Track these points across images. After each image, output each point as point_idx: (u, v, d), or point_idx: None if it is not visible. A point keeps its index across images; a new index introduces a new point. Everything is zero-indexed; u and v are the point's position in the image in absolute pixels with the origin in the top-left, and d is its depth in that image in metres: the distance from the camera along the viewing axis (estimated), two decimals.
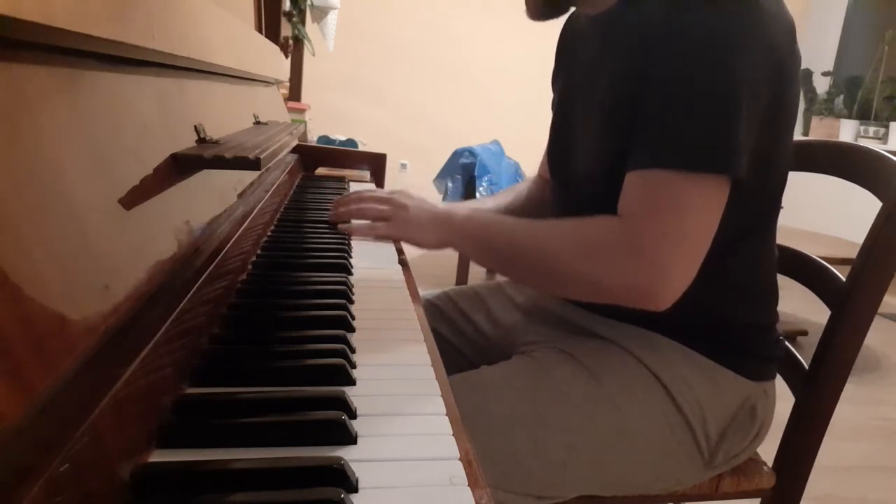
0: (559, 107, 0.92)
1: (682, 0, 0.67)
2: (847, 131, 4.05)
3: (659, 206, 0.66)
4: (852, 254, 0.81)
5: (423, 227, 0.82)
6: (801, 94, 4.34)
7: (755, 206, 0.75)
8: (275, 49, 1.43)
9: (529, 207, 1.08)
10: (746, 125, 0.66)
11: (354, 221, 0.90)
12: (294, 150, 1.35)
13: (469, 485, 0.36)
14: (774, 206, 0.79)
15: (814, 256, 0.89)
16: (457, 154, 3.22)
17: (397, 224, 0.84)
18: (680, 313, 0.69)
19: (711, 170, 0.65)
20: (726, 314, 0.78)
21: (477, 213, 0.83)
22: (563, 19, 0.91)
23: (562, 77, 0.93)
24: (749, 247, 0.78)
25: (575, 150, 0.85)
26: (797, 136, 0.78)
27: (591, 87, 0.81)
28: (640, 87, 0.69)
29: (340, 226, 0.89)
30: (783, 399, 0.83)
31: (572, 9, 0.86)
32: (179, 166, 0.52)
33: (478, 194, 2.95)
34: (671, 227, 0.66)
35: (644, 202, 0.67)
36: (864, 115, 4.09)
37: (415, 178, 3.93)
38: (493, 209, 1.08)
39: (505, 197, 1.12)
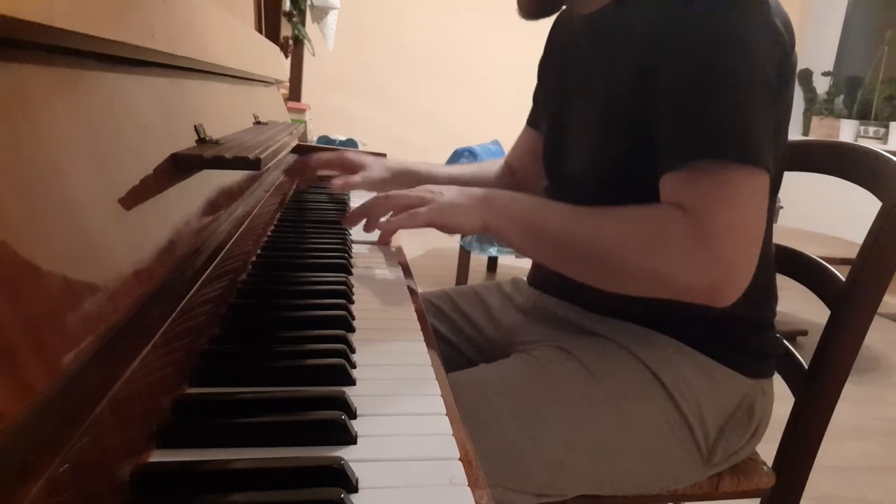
0: (552, 107, 0.92)
1: (688, 2, 0.67)
2: (847, 131, 4.05)
3: (717, 198, 0.64)
4: (852, 254, 0.81)
5: (465, 210, 0.74)
6: (802, 94, 4.35)
7: None
8: (275, 49, 1.43)
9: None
10: (769, 122, 0.66)
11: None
12: (294, 150, 1.35)
13: (469, 485, 0.36)
14: (771, 203, 0.79)
15: (814, 256, 0.89)
16: (457, 154, 3.22)
17: (436, 208, 0.74)
18: (678, 311, 0.69)
19: (757, 162, 0.64)
20: (724, 311, 0.78)
21: (522, 195, 0.76)
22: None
23: (553, 75, 0.93)
24: None
25: (571, 151, 0.85)
26: (797, 136, 0.78)
27: (587, 87, 0.81)
28: (650, 91, 0.69)
29: (378, 224, 0.81)
30: (783, 399, 0.83)
31: (563, 7, 0.86)
32: (179, 166, 0.52)
33: None
34: (736, 219, 0.64)
35: (702, 192, 0.65)
36: (864, 115, 4.09)
37: None
38: (448, 176, 1.08)
39: (465, 169, 1.12)
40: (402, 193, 0.77)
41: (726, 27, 0.65)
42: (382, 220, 0.80)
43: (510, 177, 1.09)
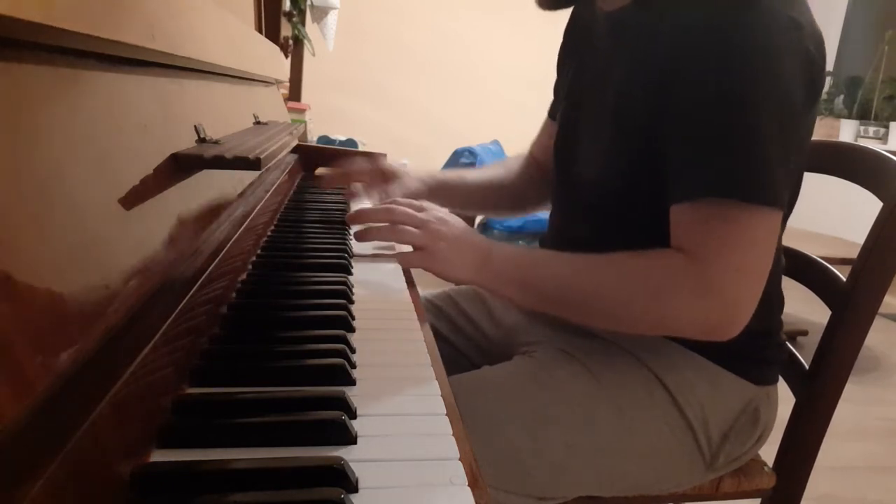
0: (565, 104, 0.91)
1: (715, 13, 0.65)
2: (847, 131, 4.05)
3: (727, 241, 0.64)
4: (852, 254, 0.81)
5: (461, 266, 0.73)
6: None
7: None
8: (275, 49, 1.43)
9: (520, 186, 1.09)
10: (790, 155, 0.65)
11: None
12: (294, 150, 1.35)
13: (469, 485, 0.36)
14: (784, 217, 0.79)
15: (814, 256, 0.89)
16: (457, 154, 3.23)
17: (432, 257, 0.73)
18: None
19: (772, 203, 0.64)
20: None
21: (518, 252, 0.75)
22: (565, 17, 0.90)
23: (568, 71, 0.92)
24: None
25: (581, 150, 0.84)
26: None
27: (602, 87, 0.79)
28: (669, 106, 0.67)
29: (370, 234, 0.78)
30: (784, 399, 0.83)
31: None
32: (179, 166, 0.52)
33: None
34: (743, 263, 0.64)
35: (711, 237, 0.65)
36: (864, 115, 4.08)
37: None
38: (479, 182, 1.10)
39: (494, 170, 1.13)
40: (407, 228, 0.74)
41: (757, 52, 0.63)
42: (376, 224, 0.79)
43: (536, 168, 1.09)
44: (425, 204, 0.78)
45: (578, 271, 0.70)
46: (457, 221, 0.76)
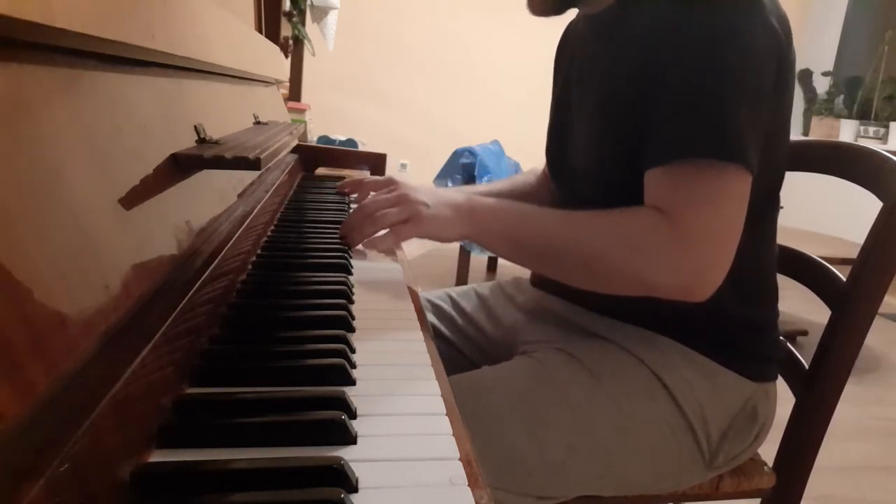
0: (556, 106, 0.93)
1: (685, 1, 0.68)
2: (847, 131, 4.05)
3: (698, 198, 0.66)
4: (852, 254, 0.81)
5: (446, 222, 0.75)
6: (802, 94, 4.35)
7: (752, 203, 0.75)
8: (275, 49, 1.43)
9: (533, 196, 1.08)
10: (758, 122, 0.67)
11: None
12: (294, 150, 1.35)
13: (469, 485, 0.36)
14: (772, 205, 0.79)
15: (814, 256, 0.89)
16: (457, 154, 3.22)
17: (419, 223, 0.75)
18: (680, 313, 0.69)
19: (739, 160, 0.65)
20: (726, 313, 0.78)
21: (502, 204, 0.77)
22: (564, 20, 0.91)
23: (561, 74, 0.94)
24: (748, 244, 0.77)
25: (573, 150, 0.85)
26: (797, 136, 0.78)
27: (589, 87, 0.82)
28: (647, 87, 0.69)
29: (364, 246, 0.79)
30: (783, 399, 0.83)
31: (572, 7, 0.86)
32: (179, 166, 0.52)
33: None
34: (714, 219, 0.66)
35: (682, 194, 0.67)
36: (864, 115, 4.09)
37: (415, 178, 3.92)
38: (488, 194, 1.10)
39: (502, 185, 1.13)
40: (385, 210, 0.75)
41: (721, 26, 0.66)
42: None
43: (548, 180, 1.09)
44: (392, 178, 0.81)
45: (558, 222, 0.73)
46: (427, 185, 0.78)
